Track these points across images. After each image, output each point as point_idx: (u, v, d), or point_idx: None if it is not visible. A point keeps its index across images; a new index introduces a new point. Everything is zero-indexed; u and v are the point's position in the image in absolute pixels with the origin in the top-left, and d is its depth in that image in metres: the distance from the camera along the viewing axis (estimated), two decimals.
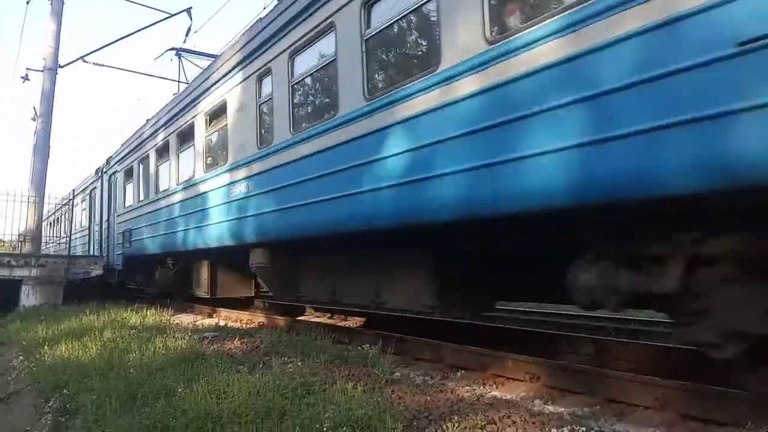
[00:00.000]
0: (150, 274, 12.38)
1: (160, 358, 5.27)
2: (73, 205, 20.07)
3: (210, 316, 10.17)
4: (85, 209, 19.05)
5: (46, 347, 6.53)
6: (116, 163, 14.45)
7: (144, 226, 11.49)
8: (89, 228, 18.03)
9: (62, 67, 14.91)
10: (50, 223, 26.04)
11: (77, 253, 17.96)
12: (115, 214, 14.18)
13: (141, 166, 12.31)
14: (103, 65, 17.82)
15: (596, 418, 3.36)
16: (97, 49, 21.81)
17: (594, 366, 4.37)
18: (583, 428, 3.03)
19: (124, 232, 12.89)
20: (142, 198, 12.05)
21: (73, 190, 21.07)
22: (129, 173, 13.20)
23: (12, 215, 14.42)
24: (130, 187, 13.22)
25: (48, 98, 14.51)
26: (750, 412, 3.03)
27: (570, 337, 5.74)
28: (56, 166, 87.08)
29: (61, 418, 4.39)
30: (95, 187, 17.15)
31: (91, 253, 17.32)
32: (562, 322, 7.84)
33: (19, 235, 14.91)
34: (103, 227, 15.42)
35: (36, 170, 14.31)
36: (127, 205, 13.26)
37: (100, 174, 16.35)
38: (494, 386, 4.33)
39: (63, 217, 22.91)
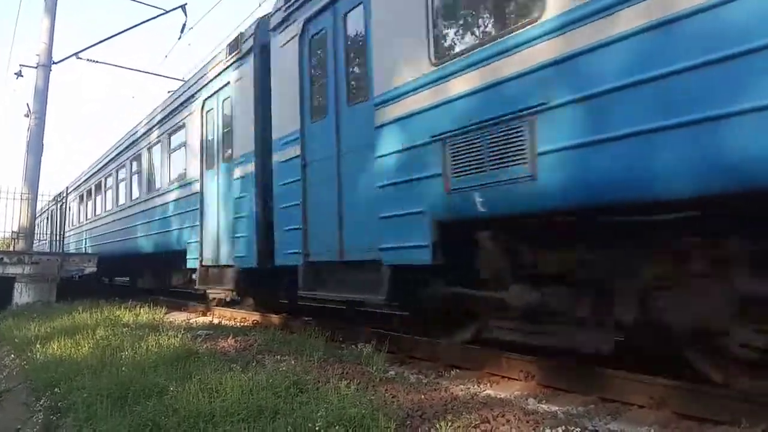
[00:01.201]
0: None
1: (152, 356, 5.22)
2: (67, 200, 19.55)
3: (204, 314, 10.13)
4: (184, 144, 10.21)
5: (38, 345, 6.47)
6: None
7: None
8: (201, 181, 9.31)
9: (56, 63, 14.77)
10: (81, 196, 19.54)
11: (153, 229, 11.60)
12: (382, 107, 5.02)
13: None
14: (97, 62, 17.66)
15: (591, 416, 3.35)
16: (91, 46, 21.77)
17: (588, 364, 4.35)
18: (578, 428, 3.01)
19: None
20: None
21: (69, 184, 20.47)
22: None
23: (5, 212, 14.32)
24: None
25: (42, 95, 14.37)
26: (745, 411, 3.02)
27: None
28: (50, 163, 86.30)
29: (53, 417, 4.33)
30: (226, 84, 8.44)
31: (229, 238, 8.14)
32: None
33: (12, 233, 14.81)
34: (279, 159, 6.89)
35: (29, 167, 14.21)
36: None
37: (253, 41, 7.61)
38: (488, 385, 4.31)
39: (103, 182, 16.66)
